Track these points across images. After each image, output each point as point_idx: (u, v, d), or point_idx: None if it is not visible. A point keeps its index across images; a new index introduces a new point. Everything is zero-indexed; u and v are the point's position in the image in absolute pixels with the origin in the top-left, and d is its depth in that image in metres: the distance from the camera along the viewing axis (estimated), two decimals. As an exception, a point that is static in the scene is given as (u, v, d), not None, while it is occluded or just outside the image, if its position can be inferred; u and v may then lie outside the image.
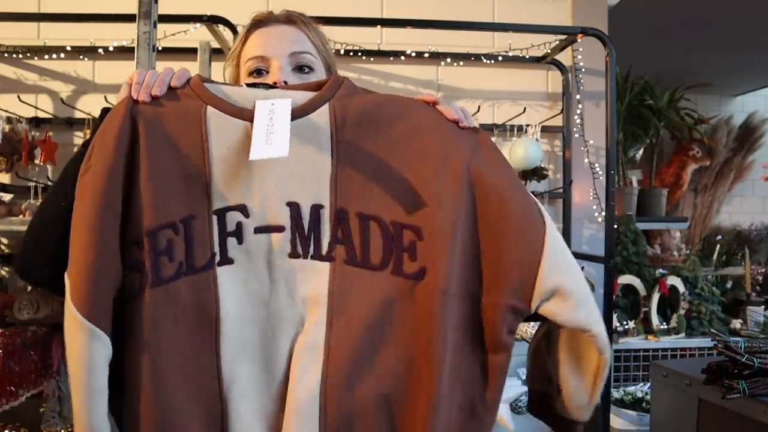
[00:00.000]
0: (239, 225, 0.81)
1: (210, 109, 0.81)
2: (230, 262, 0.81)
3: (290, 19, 1.00)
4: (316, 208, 0.82)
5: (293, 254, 0.81)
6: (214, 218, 0.80)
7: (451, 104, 0.88)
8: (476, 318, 0.81)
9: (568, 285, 0.81)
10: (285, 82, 0.94)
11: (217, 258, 0.80)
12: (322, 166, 0.82)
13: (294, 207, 0.81)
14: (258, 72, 0.97)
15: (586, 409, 0.90)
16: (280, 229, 0.81)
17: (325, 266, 0.81)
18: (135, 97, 0.81)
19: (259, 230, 0.81)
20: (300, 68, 0.98)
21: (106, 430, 0.74)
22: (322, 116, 0.83)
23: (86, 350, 0.73)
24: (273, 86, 0.88)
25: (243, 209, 0.81)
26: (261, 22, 1.01)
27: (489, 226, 0.82)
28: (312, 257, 0.81)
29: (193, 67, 2.01)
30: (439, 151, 0.83)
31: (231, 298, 0.80)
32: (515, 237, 0.81)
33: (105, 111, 0.85)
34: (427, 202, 0.81)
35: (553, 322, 0.82)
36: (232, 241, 0.81)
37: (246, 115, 0.81)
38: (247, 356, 0.80)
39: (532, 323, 2.12)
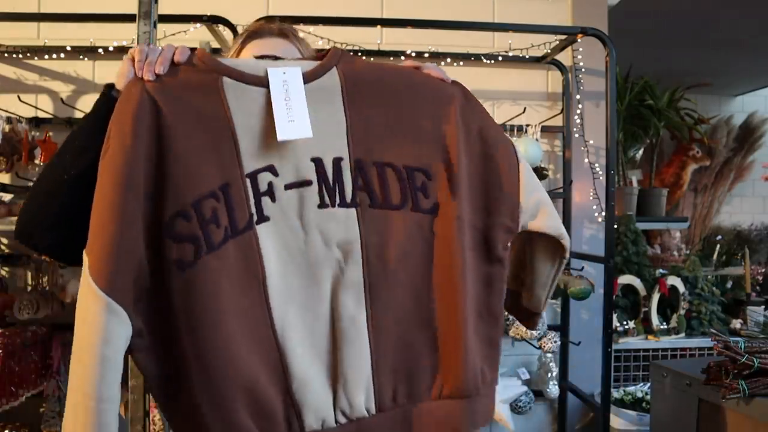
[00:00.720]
0: (270, 184, 0.87)
1: (226, 80, 0.86)
2: (266, 219, 0.87)
3: (283, 32, 1.10)
4: (338, 161, 0.91)
5: (322, 205, 0.89)
6: (248, 181, 0.86)
7: (428, 65, 1.00)
8: (480, 239, 0.97)
9: (541, 200, 1.01)
10: None
11: (255, 218, 0.86)
12: (337, 122, 0.91)
13: (318, 162, 0.90)
14: None
15: (544, 301, 1.11)
16: (308, 183, 0.89)
17: (352, 212, 0.91)
18: (140, 76, 0.84)
19: (289, 186, 0.88)
20: None
21: (116, 400, 0.77)
22: (332, 78, 0.92)
23: (101, 322, 0.76)
24: (279, 58, 0.94)
25: (272, 169, 0.88)
26: (256, 33, 1.09)
27: (482, 161, 0.98)
28: (339, 206, 0.90)
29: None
30: (436, 101, 0.97)
31: (272, 253, 0.87)
32: (501, 170, 0.98)
33: (109, 87, 0.89)
34: (431, 146, 0.95)
35: (537, 232, 1.02)
36: (266, 200, 0.88)
37: (262, 81, 0.88)
38: (295, 303, 0.87)
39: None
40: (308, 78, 0.90)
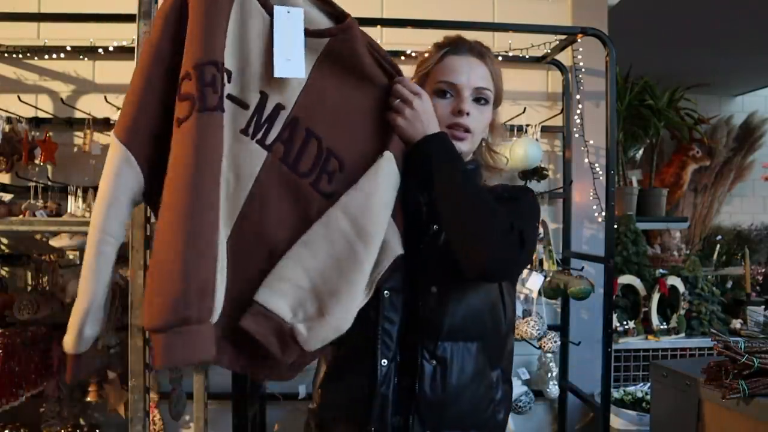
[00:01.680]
0: (223, 85, 0.93)
1: None
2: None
3: (481, 53, 1.14)
4: (279, 107, 0.97)
5: (244, 131, 0.96)
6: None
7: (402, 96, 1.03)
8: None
9: None
10: (467, 113, 1.10)
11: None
12: (298, 78, 0.98)
13: (264, 97, 0.96)
14: (443, 93, 1.12)
15: None
16: (245, 106, 0.96)
17: (263, 153, 0.97)
18: None
19: (230, 98, 0.94)
20: (478, 99, 1.13)
21: (116, 236, 0.90)
22: (320, 44, 0.99)
23: (116, 166, 0.89)
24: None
25: (229, 74, 0.94)
26: (456, 48, 1.13)
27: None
28: (257, 142, 0.96)
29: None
30: (380, 119, 1.04)
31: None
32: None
33: None
34: (357, 147, 1.02)
35: None
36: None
37: (269, 10, 0.95)
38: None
39: (532, 323, 2.13)
40: (306, 32, 0.96)
